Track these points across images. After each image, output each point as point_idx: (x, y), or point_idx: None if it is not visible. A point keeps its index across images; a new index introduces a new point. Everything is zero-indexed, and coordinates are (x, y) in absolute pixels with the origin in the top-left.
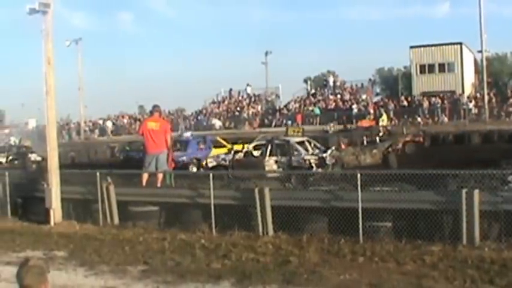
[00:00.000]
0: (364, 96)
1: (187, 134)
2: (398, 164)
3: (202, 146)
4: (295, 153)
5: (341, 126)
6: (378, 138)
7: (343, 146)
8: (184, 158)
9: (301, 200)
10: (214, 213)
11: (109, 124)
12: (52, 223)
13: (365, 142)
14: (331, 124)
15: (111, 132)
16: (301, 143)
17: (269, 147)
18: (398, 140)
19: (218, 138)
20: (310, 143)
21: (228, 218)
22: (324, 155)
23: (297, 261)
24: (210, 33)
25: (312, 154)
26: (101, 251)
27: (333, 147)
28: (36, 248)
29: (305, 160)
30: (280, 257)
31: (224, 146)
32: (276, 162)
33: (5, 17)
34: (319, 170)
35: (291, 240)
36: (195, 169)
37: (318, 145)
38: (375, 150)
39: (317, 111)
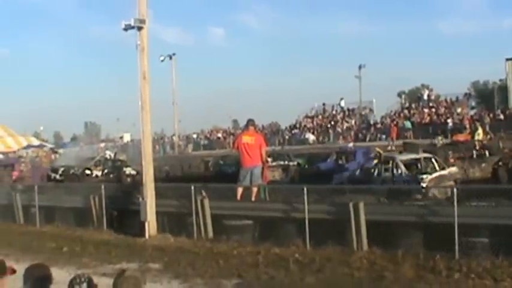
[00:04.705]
0: (459, 110)
1: (350, 145)
2: (508, 178)
3: (366, 155)
4: (396, 170)
5: (448, 140)
6: (474, 152)
7: (451, 160)
8: (355, 167)
9: (396, 214)
10: (308, 227)
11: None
12: (147, 236)
13: (474, 155)
14: (439, 137)
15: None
16: (416, 160)
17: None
18: (508, 154)
19: (377, 149)
20: (429, 160)
21: (322, 232)
22: (423, 176)
23: (391, 277)
24: (302, 47)
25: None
26: (195, 264)
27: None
28: (132, 260)
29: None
30: (375, 272)
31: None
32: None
33: (102, 33)
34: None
35: (385, 256)
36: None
37: (441, 164)
38: (484, 164)
39: (408, 125)
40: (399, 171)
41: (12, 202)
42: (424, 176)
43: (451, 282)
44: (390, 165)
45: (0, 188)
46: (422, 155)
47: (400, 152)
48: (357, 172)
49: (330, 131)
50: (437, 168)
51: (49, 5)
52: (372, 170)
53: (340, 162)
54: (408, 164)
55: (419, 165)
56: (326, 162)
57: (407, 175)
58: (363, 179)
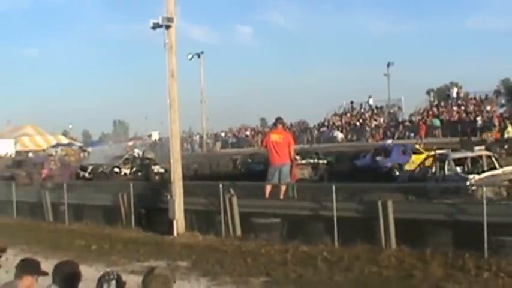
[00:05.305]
0: (488, 108)
1: (389, 142)
2: None
3: (404, 153)
4: (447, 168)
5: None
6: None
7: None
8: (388, 164)
9: (425, 213)
10: (336, 225)
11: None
12: (175, 234)
13: None
14: (489, 134)
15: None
16: (471, 158)
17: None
18: None
19: (417, 146)
20: (488, 158)
21: (350, 230)
22: (470, 176)
23: (420, 275)
24: (330, 45)
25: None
26: (224, 262)
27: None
28: (160, 258)
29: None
30: (404, 270)
31: (422, 153)
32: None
33: (130, 31)
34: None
35: (414, 254)
36: (397, 173)
37: (499, 162)
38: None
39: (437, 122)
40: (451, 170)
41: (42, 200)
42: (471, 176)
43: (480, 281)
44: (443, 163)
45: (29, 186)
46: (482, 153)
47: (453, 150)
48: (417, 170)
49: (367, 128)
50: (496, 166)
51: (77, 4)
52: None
53: (377, 159)
54: (462, 162)
55: (478, 162)
56: (363, 159)
57: (457, 174)
58: (421, 178)
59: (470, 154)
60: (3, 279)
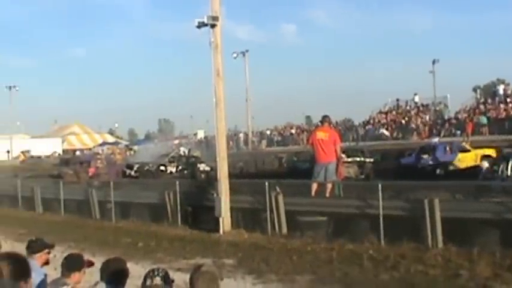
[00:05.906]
0: None
1: (436, 140)
2: None
3: (450, 151)
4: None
5: None
6: None
7: None
8: (430, 162)
9: (472, 211)
10: (382, 224)
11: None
12: (221, 231)
13: None
14: None
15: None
16: None
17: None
18: None
19: (463, 144)
20: None
21: (396, 229)
22: None
23: (467, 275)
24: (375, 42)
25: None
26: (269, 259)
27: None
28: (206, 256)
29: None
30: (450, 270)
31: (469, 151)
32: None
33: (175, 31)
34: None
35: (461, 253)
36: (441, 171)
37: None
38: None
39: (483, 120)
40: None
41: (89, 198)
42: None
43: None
44: (507, 163)
45: (77, 185)
46: None
47: None
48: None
49: (413, 125)
50: None
51: (123, 5)
52: (496, 168)
53: (423, 157)
54: None
55: None
56: (408, 158)
57: None
58: (492, 177)
59: None
60: (51, 276)
